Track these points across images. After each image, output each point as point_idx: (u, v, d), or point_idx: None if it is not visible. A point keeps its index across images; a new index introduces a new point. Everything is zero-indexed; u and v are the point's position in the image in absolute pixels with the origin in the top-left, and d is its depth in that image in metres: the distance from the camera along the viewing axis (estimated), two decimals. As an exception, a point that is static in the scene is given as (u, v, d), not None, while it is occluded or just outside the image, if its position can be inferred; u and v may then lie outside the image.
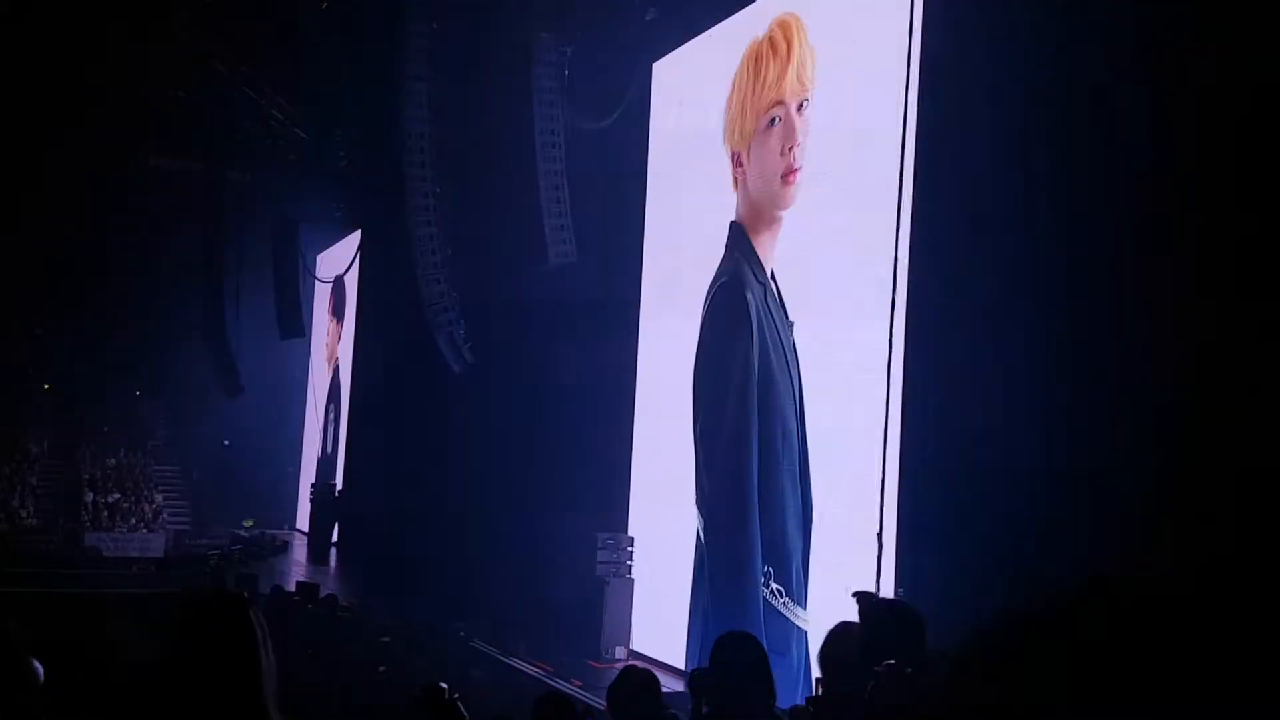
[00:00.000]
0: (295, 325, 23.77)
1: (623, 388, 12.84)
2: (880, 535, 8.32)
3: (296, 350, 25.65)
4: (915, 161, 8.52)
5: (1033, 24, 7.61)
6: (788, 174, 10.26)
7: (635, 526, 12.23)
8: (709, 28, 11.95)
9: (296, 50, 17.02)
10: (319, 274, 25.80)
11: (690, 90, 12.44)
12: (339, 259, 24.52)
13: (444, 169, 14.73)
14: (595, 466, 13.05)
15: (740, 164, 10.97)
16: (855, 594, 3.51)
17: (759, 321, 10.36)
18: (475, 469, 15.84)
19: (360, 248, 22.94)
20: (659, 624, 11.37)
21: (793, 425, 9.93)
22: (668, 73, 12.94)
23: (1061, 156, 7.25)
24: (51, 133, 20.33)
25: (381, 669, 9.58)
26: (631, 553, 11.79)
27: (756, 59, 10.79)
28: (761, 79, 10.67)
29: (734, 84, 11.13)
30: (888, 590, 8.13)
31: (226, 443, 26.36)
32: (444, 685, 2.73)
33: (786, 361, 10.08)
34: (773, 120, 10.47)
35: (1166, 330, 6.42)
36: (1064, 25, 7.31)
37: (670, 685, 7.52)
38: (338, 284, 25.29)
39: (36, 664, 2.63)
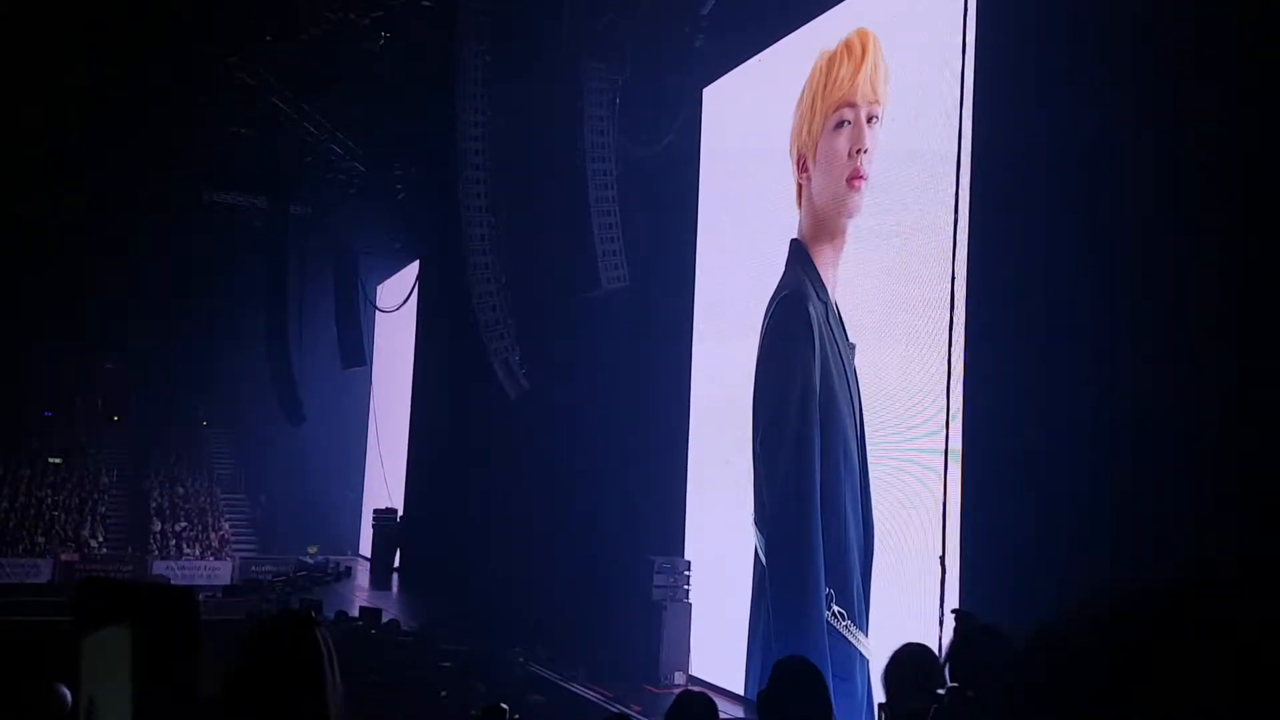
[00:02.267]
0: (357, 355, 24.20)
1: (677, 411, 12.84)
2: (943, 559, 8.18)
3: (359, 379, 26.06)
4: (971, 185, 8.44)
5: (1088, 48, 7.52)
6: (854, 178, 9.99)
7: (692, 550, 12.18)
8: (758, 53, 12.00)
9: (355, 86, 17.42)
10: (379, 304, 26.26)
11: (740, 115, 12.49)
12: (398, 289, 24.94)
13: (498, 198, 14.93)
14: (651, 490, 13.05)
15: (805, 169, 10.70)
16: (954, 611, 3.47)
17: (821, 336, 10.18)
18: (532, 494, 15.92)
19: (418, 278, 23.30)
20: (717, 649, 11.29)
21: (853, 445, 9.78)
22: (718, 98, 13.01)
23: (1119, 176, 7.14)
24: (118, 171, 21.00)
25: (443, 693, 9.65)
26: (689, 577, 11.74)
27: (831, 60, 10.52)
28: (835, 76, 10.36)
29: (806, 84, 10.83)
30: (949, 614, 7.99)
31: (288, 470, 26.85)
32: (504, 706, 2.75)
33: (848, 382, 9.93)
34: (841, 122, 10.15)
35: (1231, 348, 6.27)
36: (1121, 45, 7.22)
37: (729, 711, 7.46)
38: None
39: (64, 690, 2.67)
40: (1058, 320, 7.61)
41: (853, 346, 9.99)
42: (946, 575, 8.15)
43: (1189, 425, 6.50)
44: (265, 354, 23.01)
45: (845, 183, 10.08)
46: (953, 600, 8.09)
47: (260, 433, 26.18)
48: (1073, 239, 7.52)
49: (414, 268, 23.89)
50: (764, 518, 10.75)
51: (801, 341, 10.30)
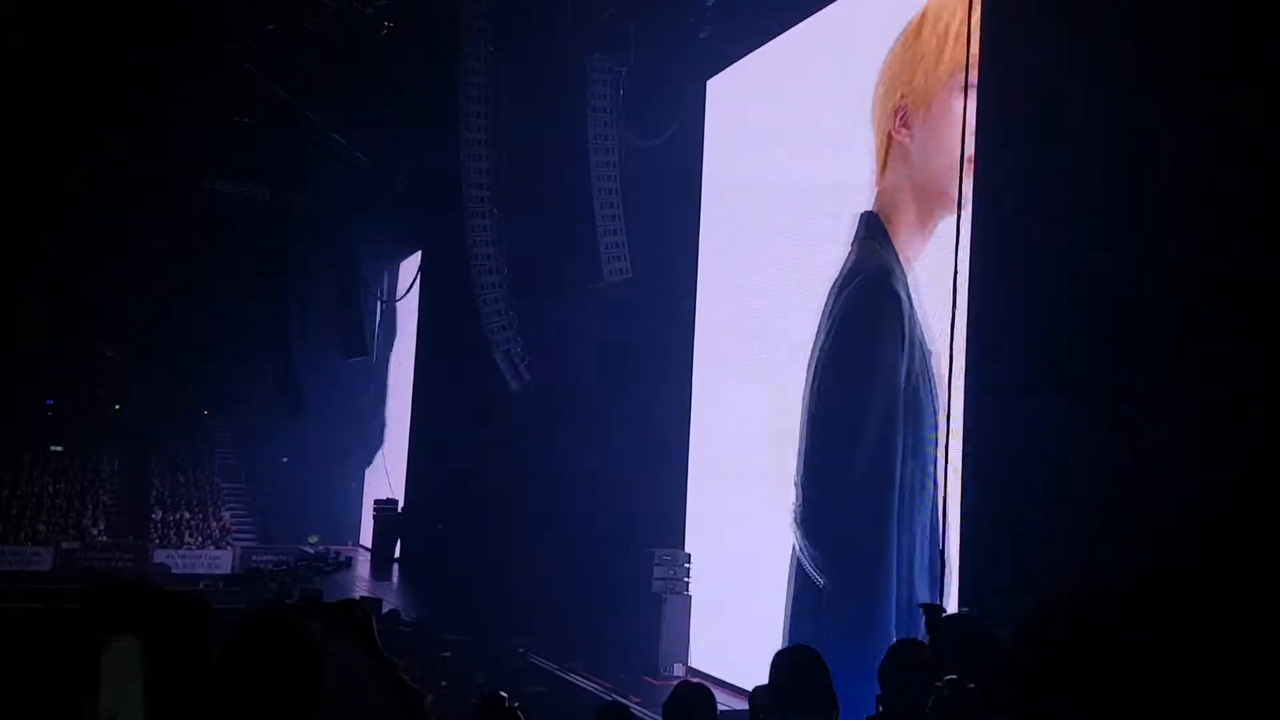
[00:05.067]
0: (358, 345, 24.21)
1: (679, 403, 12.84)
2: (943, 552, 8.18)
3: (359, 369, 26.08)
4: (976, 177, 8.42)
5: (1095, 69, 7.50)
6: (970, 160, 7.92)
7: (692, 542, 12.19)
8: (763, 44, 11.97)
9: (357, 76, 17.40)
10: (380, 295, 26.27)
11: (745, 107, 12.45)
12: (400, 280, 24.95)
13: (501, 190, 14.92)
14: (652, 482, 13.06)
15: (907, 124, 8.57)
16: (922, 605, 3.47)
17: (910, 328, 8.41)
18: (533, 486, 15.93)
19: (420, 269, 23.30)
20: (717, 641, 11.31)
21: (930, 464, 8.25)
22: (722, 90, 12.98)
23: (1120, 175, 7.14)
24: (120, 160, 20.99)
25: (443, 684, 9.67)
26: (689, 569, 11.75)
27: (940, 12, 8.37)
28: (956, 32, 8.24)
29: (927, 12, 8.66)
30: (952, 608, 8.01)
31: (285, 460, 26.87)
32: (504, 694, 2.76)
33: (932, 389, 8.30)
34: (965, 86, 7.93)
35: (1229, 349, 6.28)
36: (1130, 61, 7.21)
37: (727, 703, 7.47)
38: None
39: None
40: (1058, 317, 7.60)
41: (929, 352, 8.45)
42: (946, 569, 8.16)
43: (1189, 422, 6.50)
44: (266, 343, 23.02)
45: (960, 163, 8.02)
46: (953, 594, 8.10)
47: (261, 421, 26.20)
48: (1074, 240, 7.51)
49: (416, 258, 23.88)
50: (816, 520, 9.31)
51: (887, 338, 8.64)
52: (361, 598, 15.26)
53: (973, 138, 8.28)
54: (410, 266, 24.18)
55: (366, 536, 25.01)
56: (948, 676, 2.84)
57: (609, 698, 10.14)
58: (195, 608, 1.86)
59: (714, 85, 13.06)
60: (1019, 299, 8.02)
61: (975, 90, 8.22)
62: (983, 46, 8.29)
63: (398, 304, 24.98)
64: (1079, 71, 7.57)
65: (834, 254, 10.04)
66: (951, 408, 8.27)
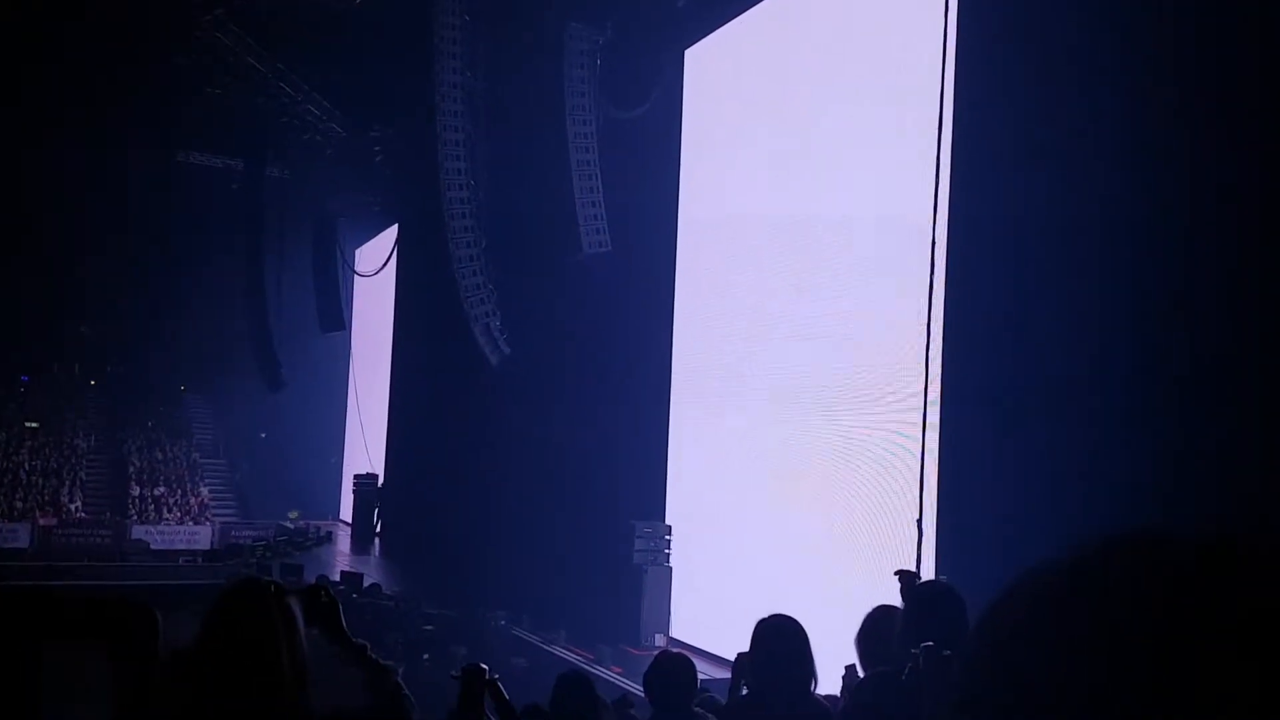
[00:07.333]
0: (335, 319, 24.07)
1: (658, 375, 12.84)
2: (920, 522, 8.27)
3: (337, 343, 25.94)
4: (951, 175, 8.44)
5: (1075, 79, 7.49)
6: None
7: (673, 514, 12.25)
8: (741, 14, 11.90)
9: (332, 47, 17.18)
10: (358, 268, 26.08)
11: (722, 77, 12.39)
12: (377, 254, 24.77)
13: (478, 162, 14.80)
14: (632, 455, 13.08)
15: None
16: (897, 572, 3.50)
17: None
18: (514, 459, 15.93)
19: (398, 242, 23.14)
20: (697, 611, 11.39)
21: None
22: (700, 60, 12.91)
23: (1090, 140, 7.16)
24: (92, 133, 20.69)
25: (424, 657, 9.72)
26: (669, 541, 11.82)
27: None
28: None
29: None
30: (928, 576, 8.09)
31: (264, 435, 26.76)
32: (484, 666, 2.78)
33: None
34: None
35: (1202, 320, 6.35)
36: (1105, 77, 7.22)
37: (707, 672, 7.54)
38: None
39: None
40: (1040, 293, 7.65)
41: None
42: (923, 538, 8.24)
43: (1171, 391, 6.58)
44: (244, 318, 22.85)
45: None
46: (929, 562, 8.19)
47: (239, 397, 26.06)
48: (1051, 227, 7.55)
49: (393, 232, 23.71)
50: None
51: None
52: (343, 572, 15.29)
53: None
54: (387, 239, 24.02)
55: (347, 511, 24.99)
56: (924, 644, 2.87)
57: (590, 669, 10.21)
58: (144, 617, 1.86)
59: (692, 55, 12.99)
60: (996, 299, 8.07)
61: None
62: (959, 53, 8.36)
63: (368, 278, 24.82)
64: (1058, 83, 7.59)
65: (815, 224, 10.15)
66: (930, 375, 8.33)
